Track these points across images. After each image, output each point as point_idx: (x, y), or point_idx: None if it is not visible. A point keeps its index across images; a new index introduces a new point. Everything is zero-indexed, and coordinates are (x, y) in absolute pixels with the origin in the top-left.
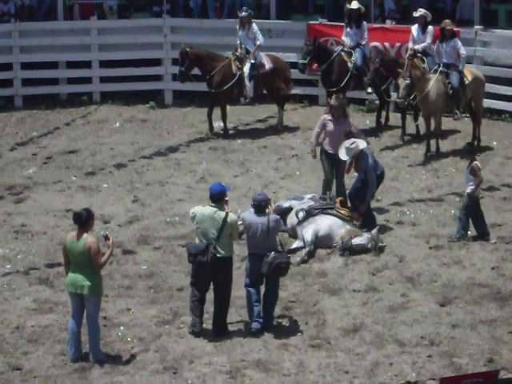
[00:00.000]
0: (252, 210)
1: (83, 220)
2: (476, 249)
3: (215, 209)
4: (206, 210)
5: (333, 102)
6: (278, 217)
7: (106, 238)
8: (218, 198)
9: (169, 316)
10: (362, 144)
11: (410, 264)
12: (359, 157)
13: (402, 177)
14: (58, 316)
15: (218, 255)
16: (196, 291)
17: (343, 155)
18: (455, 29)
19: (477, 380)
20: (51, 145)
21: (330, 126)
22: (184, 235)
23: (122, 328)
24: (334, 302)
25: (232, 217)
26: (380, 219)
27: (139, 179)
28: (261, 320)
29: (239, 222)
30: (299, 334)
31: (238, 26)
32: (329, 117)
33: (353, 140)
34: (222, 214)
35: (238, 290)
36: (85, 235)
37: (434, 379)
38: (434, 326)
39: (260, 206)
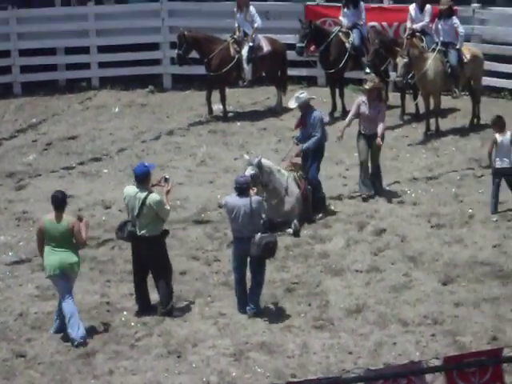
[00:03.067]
0: (234, 193)
1: (60, 201)
2: (477, 227)
3: (138, 189)
4: (131, 189)
5: (365, 84)
6: (261, 198)
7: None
8: (142, 178)
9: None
10: (311, 97)
11: (412, 243)
12: (307, 111)
13: (402, 156)
14: None
15: (139, 234)
16: (134, 277)
17: (291, 103)
18: (454, 7)
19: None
20: (51, 131)
21: (363, 109)
22: (186, 219)
23: (125, 313)
24: (337, 283)
25: (154, 198)
26: (381, 199)
27: None
28: (251, 305)
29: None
30: (302, 315)
31: (235, 9)
32: (364, 99)
33: (304, 91)
34: (143, 194)
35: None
36: (65, 216)
37: (437, 358)
38: (437, 304)
39: (242, 189)
